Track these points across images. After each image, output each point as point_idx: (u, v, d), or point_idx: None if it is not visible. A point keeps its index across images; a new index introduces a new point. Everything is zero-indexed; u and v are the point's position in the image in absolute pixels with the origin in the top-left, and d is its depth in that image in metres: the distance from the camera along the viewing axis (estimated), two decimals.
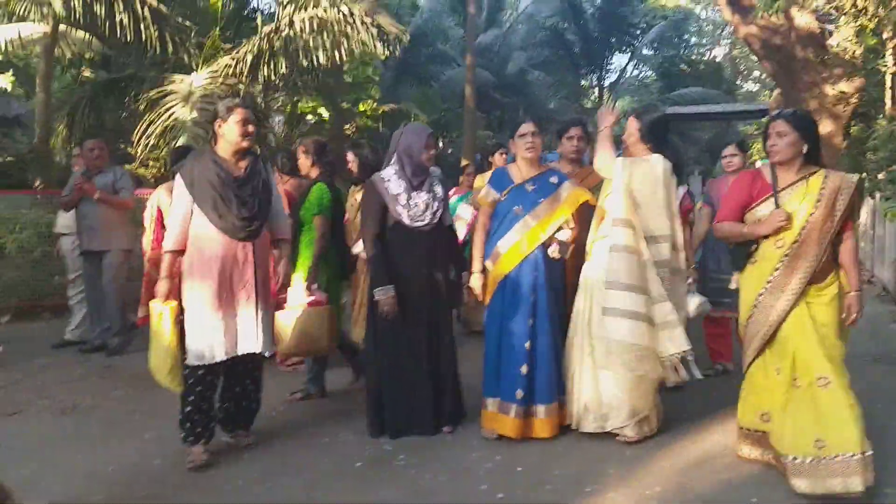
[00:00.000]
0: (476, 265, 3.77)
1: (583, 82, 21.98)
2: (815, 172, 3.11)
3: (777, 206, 3.10)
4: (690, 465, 3.36)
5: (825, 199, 3.04)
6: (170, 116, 7.68)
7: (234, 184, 3.38)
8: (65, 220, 6.18)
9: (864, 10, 8.99)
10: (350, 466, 3.41)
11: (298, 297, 4.01)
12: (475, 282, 3.77)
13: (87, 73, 10.85)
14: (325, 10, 8.42)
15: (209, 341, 3.33)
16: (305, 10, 8.52)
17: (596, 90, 22.51)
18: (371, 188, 3.75)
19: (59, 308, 7.22)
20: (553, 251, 3.64)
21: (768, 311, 3.10)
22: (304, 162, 4.60)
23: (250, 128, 3.41)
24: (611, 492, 3.09)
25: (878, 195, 7.50)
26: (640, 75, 27.16)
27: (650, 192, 3.52)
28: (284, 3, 9.03)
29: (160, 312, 3.33)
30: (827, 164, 10.87)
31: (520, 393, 3.59)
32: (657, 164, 3.57)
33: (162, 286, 3.39)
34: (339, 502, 3.06)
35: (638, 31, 22.26)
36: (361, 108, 14.14)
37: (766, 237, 3.13)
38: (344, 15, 8.43)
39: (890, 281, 8.08)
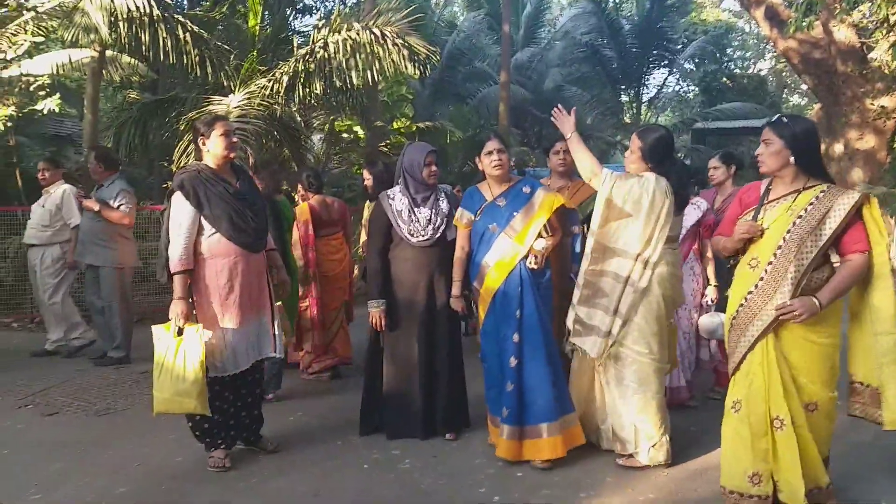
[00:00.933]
0: (455, 288, 3.82)
1: (621, 98, 21.92)
2: (813, 187, 2.80)
3: (755, 218, 2.87)
4: (686, 475, 3.42)
5: (808, 216, 2.72)
6: None
7: (240, 196, 3.49)
8: (32, 232, 6.22)
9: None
10: (358, 467, 3.58)
11: None
12: (455, 304, 3.84)
13: (133, 94, 11.36)
14: (357, 33, 8.69)
15: (233, 352, 3.44)
16: (339, 32, 8.79)
17: (635, 105, 22.44)
18: (378, 205, 3.95)
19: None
20: (531, 262, 3.59)
21: (739, 336, 2.86)
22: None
23: (234, 139, 3.52)
24: (605, 497, 3.19)
25: None
26: (681, 90, 27.00)
27: (631, 208, 3.40)
28: (319, 26, 9.35)
29: (182, 337, 3.28)
30: (871, 179, 10.76)
31: (505, 411, 3.53)
32: (649, 184, 3.42)
33: (179, 307, 3.31)
34: (346, 499, 3.24)
35: (678, 47, 22.17)
36: (395, 125, 14.43)
37: (744, 254, 2.91)
38: (376, 36, 8.69)
39: None
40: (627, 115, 22.50)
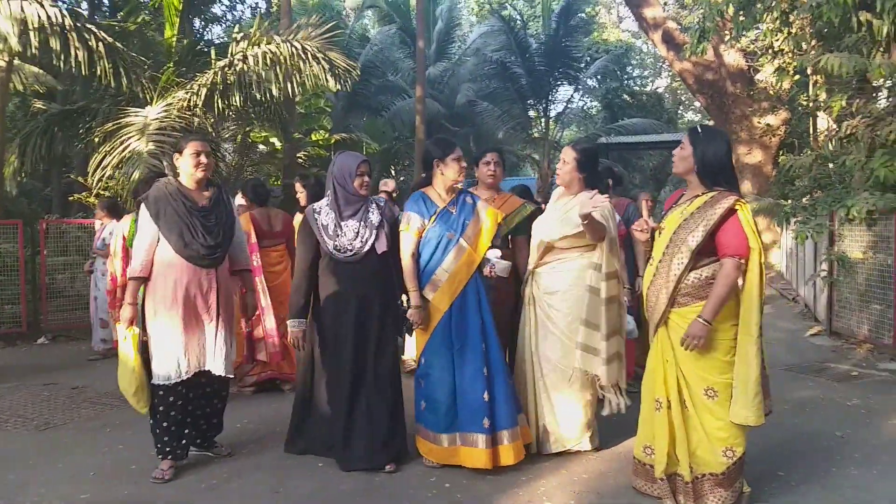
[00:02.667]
0: (414, 298, 3.64)
1: (530, 113, 22.68)
2: (709, 193, 2.99)
3: (661, 220, 3.14)
4: (613, 456, 3.79)
5: (693, 217, 2.94)
6: (125, 148, 7.85)
7: (199, 213, 3.56)
8: None
9: (780, 51, 9.75)
10: (314, 467, 3.69)
11: None
12: (417, 315, 3.63)
13: (39, 104, 10.90)
14: (277, 46, 8.72)
15: (173, 363, 3.51)
16: (259, 46, 8.80)
17: (543, 121, 23.27)
18: (304, 221, 3.74)
19: (9, 336, 7.46)
20: (488, 271, 3.67)
21: (650, 326, 3.16)
22: None
23: (202, 158, 3.57)
24: (543, 478, 3.49)
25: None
26: (585, 106, 28.18)
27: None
28: (238, 38, 9.31)
29: (124, 338, 3.56)
30: (759, 191, 11.57)
31: (486, 422, 3.48)
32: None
33: (126, 312, 3.54)
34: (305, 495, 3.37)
35: (582, 65, 23.17)
36: (314, 137, 14.45)
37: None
38: (296, 50, 8.76)
39: (808, 298, 8.69)
40: (536, 129, 23.29)
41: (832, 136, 7.87)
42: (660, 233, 3.14)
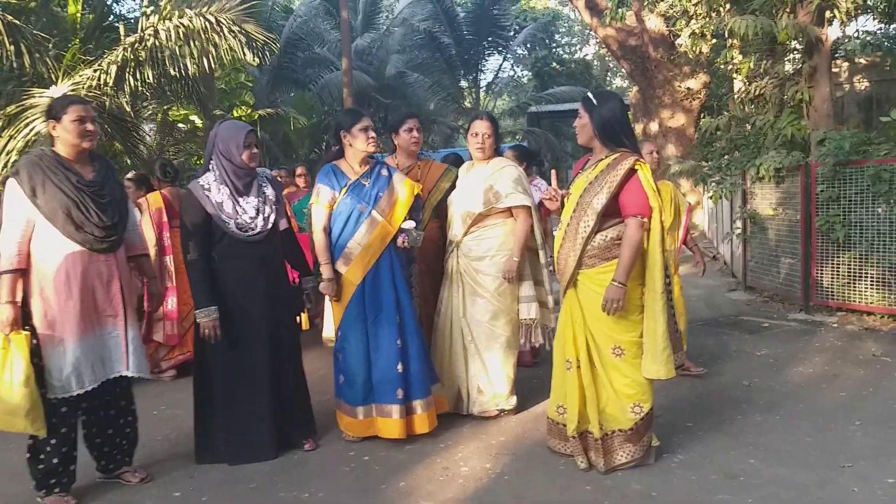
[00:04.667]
0: (326, 271, 3.58)
1: (461, 83, 22.64)
2: (612, 155, 3.04)
3: (568, 186, 3.21)
4: (531, 418, 3.89)
5: (597, 180, 3.00)
6: (31, 131, 7.47)
7: (88, 188, 3.01)
8: None
9: (695, 15, 9.95)
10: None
11: None
12: (329, 288, 3.58)
13: None
14: (190, 20, 8.40)
15: (75, 369, 2.95)
16: (170, 20, 8.45)
17: (473, 91, 23.26)
18: (189, 197, 3.38)
19: None
20: (402, 241, 3.63)
21: (560, 289, 3.25)
22: None
23: (89, 126, 3.01)
24: (462, 444, 3.56)
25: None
26: (515, 75, 28.28)
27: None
28: (148, 12, 8.94)
29: (6, 345, 2.85)
30: (682, 154, 11.81)
31: (400, 392, 3.50)
32: (508, 166, 3.96)
33: (5, 314, 2.85)
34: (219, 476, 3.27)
35: (510, 34, 23.18)
36: (236, 114, 14.06)
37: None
38: (210, 24, 8.45)
39: (727, 256, 9.02)
40: (468, 100, 23.27)
41: (743, 98, 8.10)
42: (567, 198, 3.20)
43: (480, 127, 3.92)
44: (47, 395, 2.93)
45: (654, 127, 14.86)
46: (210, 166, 3.43)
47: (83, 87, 8.12)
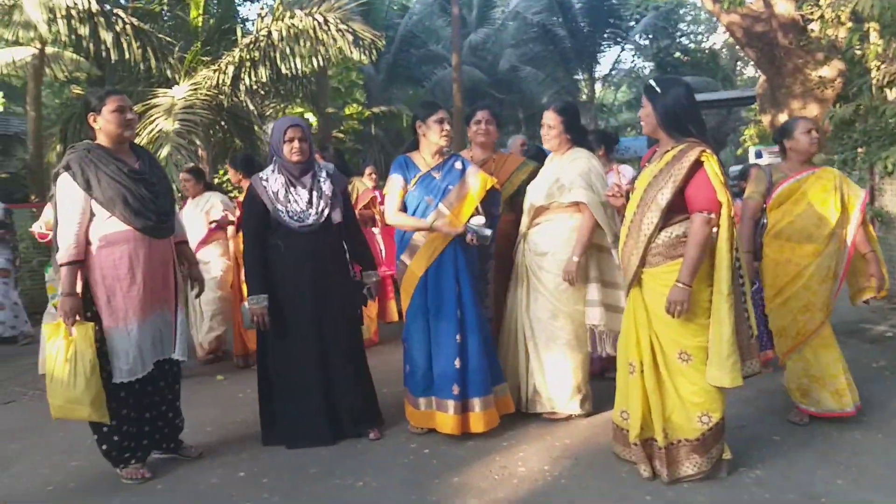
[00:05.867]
0: (427, 221, 3.52)
1: (576, 76, 22.18)
2: (678, 146, 2.85)
3: (634, 180, 3.05)
4: (602, 422, 3.67)
5: (662, 173, 2.82)
6: (154, 128, 8.05)
7: (139, 176, 3.11)
8: None
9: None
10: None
11: None
12: (445, 226, 3.51)
13: (77, 90, 11.28)
14: (300, 20, 8.75)
15: (140, 352, 3.08)
16: (282, 20, 8.84)
17: (588, 84, 22.73)
18: (250, 190, 3.54)
19: None
20: (470, 238, 3.53)
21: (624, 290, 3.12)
22: None
23: (129, 115, 3.09)
24: (525, 444, 3.46)
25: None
26: (635, 66, 27.35)
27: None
28: (262, 14, 9.38)
29: (74, 336, 2.96)
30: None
31: (456, 388, 3.48)
32: (580, 158, 3.75)
33: (68, 304, 2.95)
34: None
35: (629, 24, 22.45)
36: (348, 111, 14.50)
37: None
38: (318, 23, 8.76)
39: None
40: (583, 93, 22.77)
41: (874, 85, 7.38)
42: (633, 192, 3.02)
43: (546, 118, 3.81)
44: (113, 379, 3.06)
45: (783, 118, 13.84)
46: (272, 159, 3.58)
47: (202, 87, 8.67)
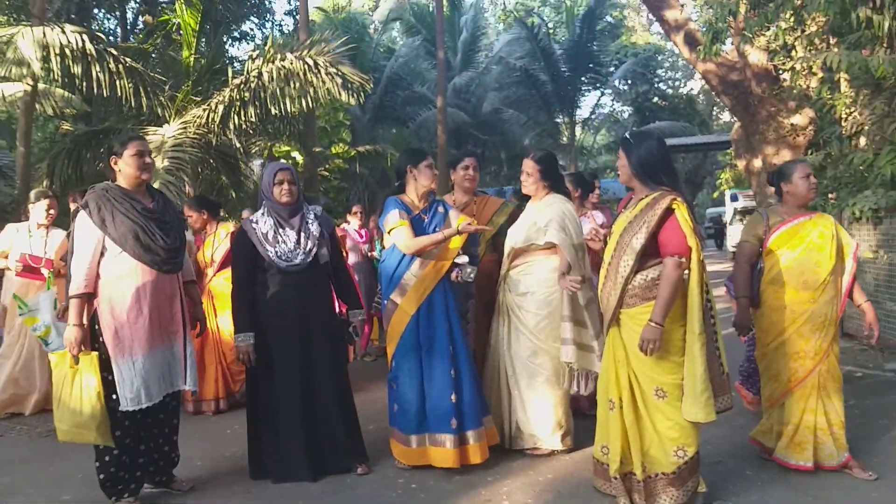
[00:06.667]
0: (447, 232, 3.65)
1: (557, 119, 22.70)
2: (652, 194, 3.03)
3: (611, 225, 3.23)
4: (583, 458, 3.78)
5: (637, 220, 2.99)
6: None
7: (152, 215, 3.31)
8: None
9: (794, 49, 9.59)
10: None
11: None
12: (468, 225, 3.64)
13: (66, 125, 11.39)
14: (291, 62, 8.97)
15: (145, 382, 3.21)
16: (272, 62, 9.05)
17: (569, 127, 23.24)
18: (240, 231, 3.72)
19: None
20: (455, 276, 3.71)
21: (603, 330, 3.24)
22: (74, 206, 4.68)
23: (147, 160, 3.31)
24: (509, 479, 3.56)
25: None
26: (614, 111, 28.04)
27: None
28: (253, 56, 9.60)
29: (79, 365, 3.14)
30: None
31: (454, 422, 3.57)
32: (555, 203, 3.93)
33: (73, 334, 3.14)
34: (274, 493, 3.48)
35: (609, 69, 23.11)
36: (334, 150, 14.74)
37: None
38: (308, 66, 8.99)
39: None
40: (564, 136, 23.27)
41: (839, 136, 7.72)
42: (609, 237, 3.21)
43: (526, 167, 4.03)
44: (118, 408, 3.18)
45: (757, 164, 14.27)
46: (262, 202, 3.75)
47: (192, 125, 8.82)
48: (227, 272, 4.84)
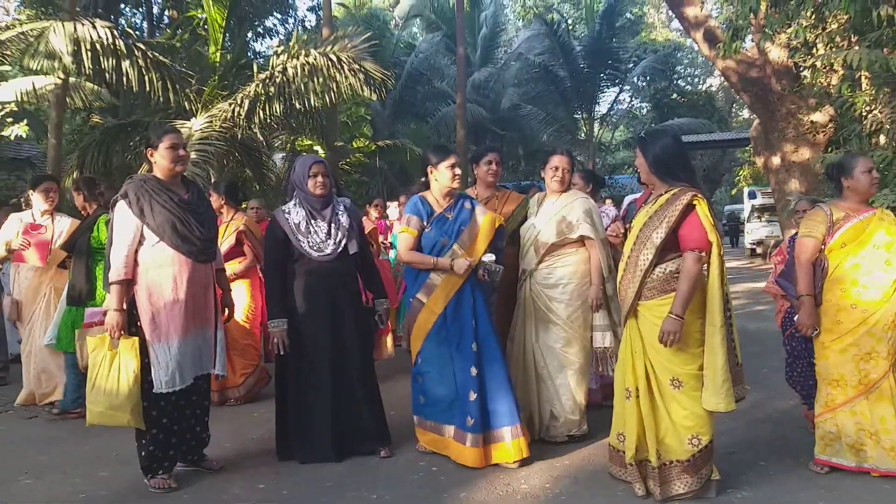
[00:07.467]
0: (444, 263, 3.69)
1: (576, 115, 22.72)
2: (671, 190, 3.11)
3: (631, 220, 3.32)
4: (598, 445, 3.91)
5: (657, 215, 3.09)
6: None
7: (188, 206, 3.42)
8: None
9: (815, 47, 9.58)
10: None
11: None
12: (462, 265, 3.64)
13: (95, 118, 11.64)
14: (315, 58, 9.13)
15: (179, 366, 3.33)
16: (297, 58, 9.21)
17: (587, 123, 23.26)
18: (273, 220, 3.82)
19: None
20: (482, 274, 3.73)
21: (621, 321, 3.40)
22: (78, 198, 4.82)
23: (181, 152, 3.41)
24: (524, 468, 3.66)
25: None
26: (632, 107, 27.96)
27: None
28: (278, 52, 9.77)
29: (118, 349, 3.27)
30: (807, 189, 11.24)
31: (470, 420, 3.59)
32: (580, 198, 4.11)
33: (115, 319, 3.27)
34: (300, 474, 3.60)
35: (628, 66, 23.07)
36: (355, 144, 14.90)
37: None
38: (332, 62, 9.15)
39: None
40: (582, 132, 23.29)
41: (859, 134, 7.74)
42: (629, 231, 3.32)
43: (560, 161, 4.10)
44: (153, 389, 3.31)
45: (776, 161, 14.23)
46: (294, 193, 3.85)
47: (218, 119, 9.01)
48: (230, 264, 4.98)
